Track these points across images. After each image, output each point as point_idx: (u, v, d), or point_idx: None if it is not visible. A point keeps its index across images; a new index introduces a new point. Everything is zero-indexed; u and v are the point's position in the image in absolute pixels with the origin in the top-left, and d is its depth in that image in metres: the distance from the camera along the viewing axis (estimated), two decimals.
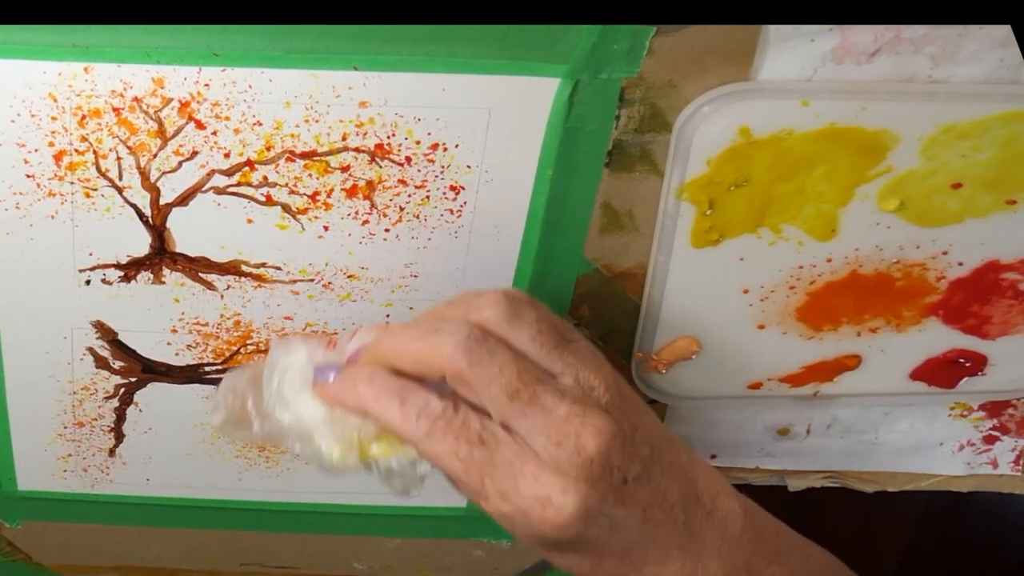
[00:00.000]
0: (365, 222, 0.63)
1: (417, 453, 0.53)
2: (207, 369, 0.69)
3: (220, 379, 0.69)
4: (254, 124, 0.59)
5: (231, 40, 0.56)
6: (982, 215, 0.64)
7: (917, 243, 0.65)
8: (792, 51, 0.59)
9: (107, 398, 0.70)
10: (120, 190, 0.61)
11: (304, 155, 0.60)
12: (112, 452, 0.73)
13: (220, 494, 0.76)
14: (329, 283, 0.65)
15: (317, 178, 0.61)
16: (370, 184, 0.62)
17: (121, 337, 0.67)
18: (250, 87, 0.58)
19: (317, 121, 0.59)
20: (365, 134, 0.60)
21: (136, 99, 0.58)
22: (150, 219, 0.62)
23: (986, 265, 0.66)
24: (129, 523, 0.78)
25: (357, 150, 0.60)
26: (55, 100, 0.58)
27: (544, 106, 0.59)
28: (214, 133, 0.59)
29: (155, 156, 0.60)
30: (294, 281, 0.65)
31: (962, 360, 0.71)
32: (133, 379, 0.69)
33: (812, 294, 0.67)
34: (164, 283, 0.65)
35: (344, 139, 0.60)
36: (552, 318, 0.54)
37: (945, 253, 0.66)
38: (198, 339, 0.68)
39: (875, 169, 0.62)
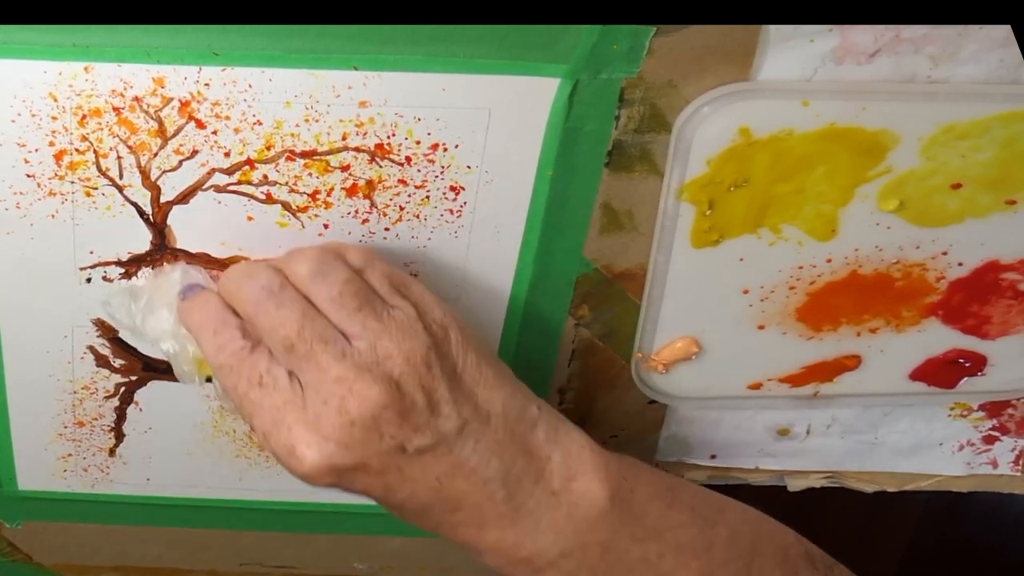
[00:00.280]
0: (365, 221, 0.63)
1: None
2: None
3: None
4: (254, 123, 0.59)
5: (231, 40, 0.56)
6: (982, 215, 0.64)
7: (917, 243, 0.65)
8: (792, 51, 0.59)
9: (107, 397, 0.70)
10: (121, 189, 0.61)
11: (304, 154, 0.60)
12: (112, 452, 0.73)
13: (220, 494, 0.76)
14: None
15: (317, 177, 0.61)
16: (370, 184, 0.62)
17: (121, 335, 0.67)
18: (250, 87, 0.58)
19: (317, 121, 0.59)
20: (365, 134, 0.60)
21: (136, 99, 0.58)
22: (151, 216, 0.62)
23: (986, 265, 0.66)
24: (129, 523, 0.78)
25: (357, 150, 0.60)
26: (55, 100, 0.58)
27: (544, 106, 0.59)
28: (214, 132, 0.59)
29: (155, 155, 0.60)
30: None
31: (962, 360, 0.71)
32: (133, 377, 0.69)
33: (812, 294, 0.67)
34: None
35: (344, 139, 0.60)
36: (367, 281, 0.57)
37: (945, 253, 0.66)
38: None
39: (875, 169, 0.62)
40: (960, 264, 0.66)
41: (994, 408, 0.76)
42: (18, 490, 0.75)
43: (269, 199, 0.62)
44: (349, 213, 0.63)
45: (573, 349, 0.70)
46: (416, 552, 0.81)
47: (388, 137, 0.60)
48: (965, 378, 0.72)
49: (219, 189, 0.61)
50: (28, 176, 0.60)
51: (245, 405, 0.56)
